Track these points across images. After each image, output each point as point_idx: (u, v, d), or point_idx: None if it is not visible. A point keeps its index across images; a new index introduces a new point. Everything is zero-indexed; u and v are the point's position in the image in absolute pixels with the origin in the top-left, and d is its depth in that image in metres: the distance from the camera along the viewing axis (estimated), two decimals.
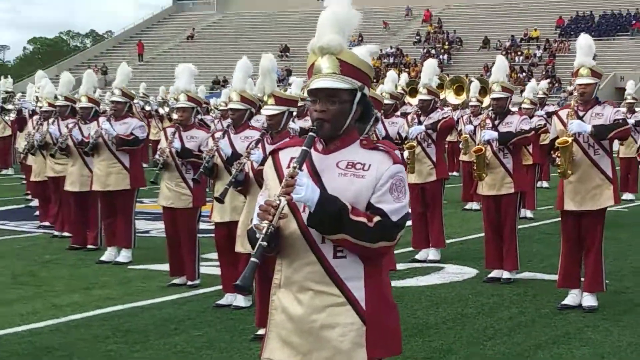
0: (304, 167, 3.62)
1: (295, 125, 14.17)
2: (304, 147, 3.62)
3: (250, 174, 7.63)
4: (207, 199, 9.95)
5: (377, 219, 3.58)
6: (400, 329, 3.83)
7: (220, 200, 7.93)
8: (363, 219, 3.56)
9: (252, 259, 3.47)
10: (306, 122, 14.76)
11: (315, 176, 3.66)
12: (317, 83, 3.67)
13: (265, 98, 7.73)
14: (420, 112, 11.61)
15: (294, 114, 14.97)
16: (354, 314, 3.65)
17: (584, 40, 8.75)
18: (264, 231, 3.49)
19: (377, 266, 3.72)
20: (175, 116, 10.47)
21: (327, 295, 3.65)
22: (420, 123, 11.45)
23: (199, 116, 15.13)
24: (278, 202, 3.52)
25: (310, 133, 3.66)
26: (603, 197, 8.53)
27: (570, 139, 8.49)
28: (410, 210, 10.84)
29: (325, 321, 3.65)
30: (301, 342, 3.68)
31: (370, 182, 3.64)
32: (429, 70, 11.99)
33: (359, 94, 3.68)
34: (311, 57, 3.73)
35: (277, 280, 3.76)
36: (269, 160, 3.86)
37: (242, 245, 7.78)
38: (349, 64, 3.66)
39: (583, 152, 8.55)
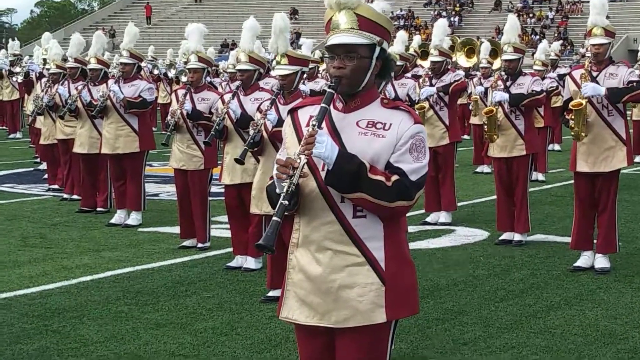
0: (324, 125, 3.57)
1: (305, 87, 14.08)
2: (322, 105, 3.57)
3: (265, 134, 7.56)
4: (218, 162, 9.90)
5: (395, 178, 3.54)
6: (418, 288, 3.79)
7: (241, 161, 7.86)
8: (381, 178, 3.52)
9: (274, 218, 3.44)
10: (316, 85, 14.69)
11: (335, 135, 3.61)
12: (335, 39, 3.60)
13: (278, 58, 7.63)
14: (431, 74, 11.50)
15: (305, 75, 14.94)
16: (373, 274, 3.62)
17: None
18: (284, 190, 3.46)
19: (396, 226, 3.69)
20: (184, 78, 10.38)
21: (347, 255, 3.62)
22: (431, 85, 11.35)
23: (208, 79, 15.04)
24: (298, 160, 3.47)
25: (329, 90, 3.60)
26: (616, 158, 8.44)
27: (584, 101, 8.38)
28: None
29: (344, 281, 3.62)
30: (319, 302, 3.66)
31: (390, 141, 3.59)
32: (440, 31, 11.85)
33: (377, 49, 3.62)
34: (328, 13, 3.66)
35: (295, 239, 3.73)
36: (288, 119, 3.81)
37: (256, 207, 7.74)
38: (367, 18, 3.60)
39: (597, 113, 8.46)
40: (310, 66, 14.63)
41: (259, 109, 7.73)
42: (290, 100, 7.45)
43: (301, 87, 13.87)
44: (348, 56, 3.59)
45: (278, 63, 7.55)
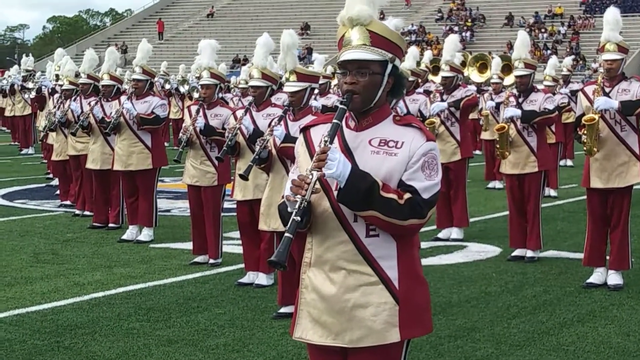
0: (336, 143, 3.57)
1: (317, 103, 14.10)
2: (334, 121, 3.57)
3: (273, 151, 7.57)
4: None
5: (407, 196, 3.53)
6: (431, 307, 3.78)
7: (245, 177, 7.88)
8: (393, 196, 3.51)
9: (286, 234, 3.44)
10: (328, 100, 14.69)
11: (347, 154, 3.61)
12: (347, 55, 3.61)
13: (287, 75, 7.66)
14: (442, 90, 11.50)
15: (316, 91, 14.93)
16: (387, 294, 3.61)
17: (612, 15, 8.59)
18: (296, 206, 3.45)
19: (409, 243, 3.68)
20: (196, 95, 10.39)
21: (360, 275, 3.61)
22: (442, 100, 11.34)
23: (220, 94, 15.09)
24: (310, 176, 3.47)
25: (341, 106, 3.59)
26: (630, 174, 8.42)
27: (596, 116, 8.37)
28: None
29: (357, 301, 3.61)
30: (333, 322, 3.65)
31: (402, 159, 3.59)
32: (451, 46, 11.85)
33: (390, 66, 3.62)
34: (341, 29, 3.66)
35: (308, 258, 3.72)
36: (300, 137, 3.81)
37: (265, 223, 7.75)
38: (380, 35, 3.60)
39: (609, 129, 8.44)
40: (322, 82, 14.72)
41: (269, 125, 7.74)
42: (300, 117, 7.47)
43: (313, 103, 13.92)
44: (360, 72, 3.59)
45: (287, 80, 7.57)
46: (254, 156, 7.63)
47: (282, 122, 7.60)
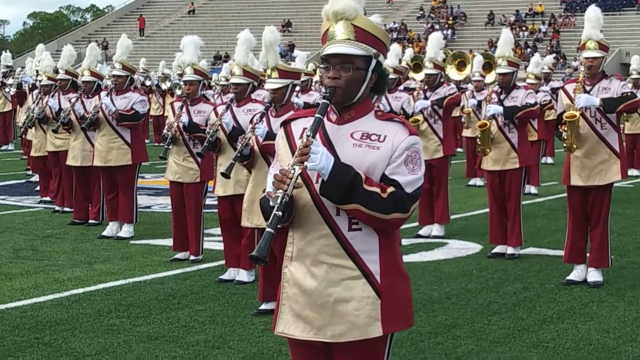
0: (317, 137, 3.55)
1: (299, 100, 14.08)
2: (317, 115, 3.55)
3: (255, 147, 7.56)
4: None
5: (390, 190, 3.52)
6: (412, 301, 3.78)
7: (227, 175, 7.86)
8: (376, 189, 3.50)
9: (268, 229, 3.42)
10: (310, 97, 14.67)
11: (329, 147, 3.59)
12: (331, 49, 3.59)
13: (268, 71, 7.64)
14: (426, 87, 11.51)
15: (298, 88, 14.89)
16: (369, 288, 3.60)
17: (593, 13, 8.63)
18: (278, 201, 3.43)
19: (391, 238, 3.67)
20: (179, 92, 10.35)
21: (342, 269, 3.60)
22: (426, 98, 11.35)
23: (202, 91, 15.03)
24: (292, 171, 3.45)
25: (323, 100, 3.57)
26: (610, 172, 8.46)
27: (577, 113, 8.41)
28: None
29: (340, 295, 3.60)
30: (315, 317, 3.63)
31: (385, 153, 3.57)
32: (435, 44, 11.86)
33: (373, 61, 3.60)
34: (325, 24, 3.65)
35: (289, 252, 3.70)
36: (281, 132, 3.79)
37: (247, 220, 7.73)
38: (364, 30, 3.58)
39: (590, 127, 8.48)
40: (303, 79, 14.69)
41: (251, 121, 7.73)
42: (282, 113, 7.47)
43: (295, 99, 13.89)
44: (343, 67, 3.57)
45: (269, 77, 7.56)
46: (235, 154, 7.61)
47: (264, 119, 7.59)
